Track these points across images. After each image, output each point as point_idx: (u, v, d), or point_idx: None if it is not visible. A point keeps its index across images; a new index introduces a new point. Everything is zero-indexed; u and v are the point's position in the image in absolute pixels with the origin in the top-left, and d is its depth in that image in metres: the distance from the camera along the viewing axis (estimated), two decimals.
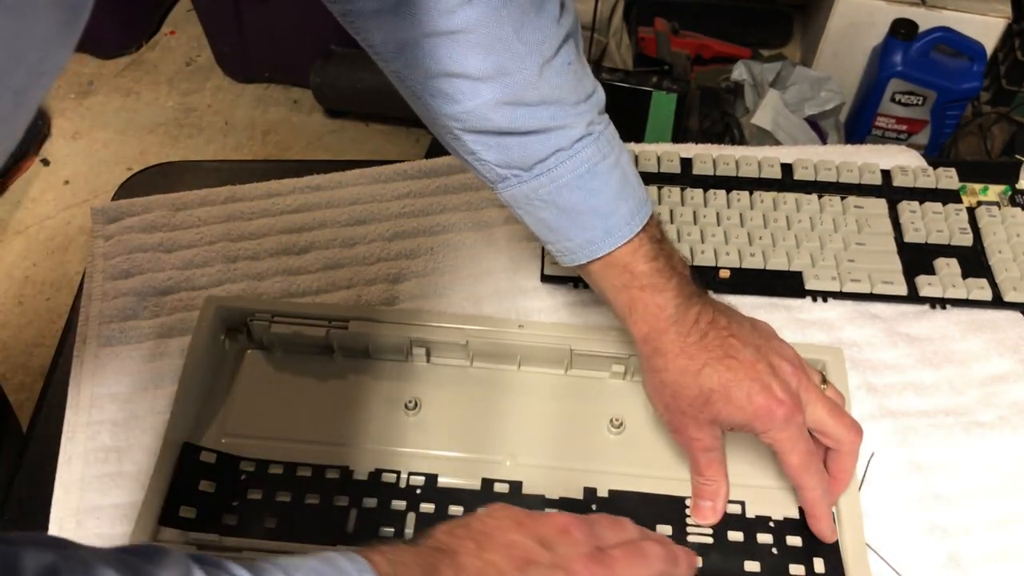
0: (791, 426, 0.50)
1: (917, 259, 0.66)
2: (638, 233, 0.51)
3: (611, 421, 0.57)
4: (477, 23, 0.45)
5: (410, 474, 0.55)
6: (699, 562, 0.50)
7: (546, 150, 0.49)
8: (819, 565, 0.52)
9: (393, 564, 0.39)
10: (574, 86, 0.49)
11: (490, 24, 0.46)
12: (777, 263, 0.65)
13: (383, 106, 1.72)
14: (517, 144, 0.49)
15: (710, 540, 0.52)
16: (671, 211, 0.67)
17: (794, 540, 0.53)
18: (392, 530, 0.52)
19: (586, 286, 0.64)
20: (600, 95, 0.51)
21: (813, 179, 0.70)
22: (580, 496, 0.54)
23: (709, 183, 0.69)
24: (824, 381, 0.55)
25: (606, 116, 0.52)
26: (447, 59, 0.47)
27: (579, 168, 0.50)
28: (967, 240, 0.66)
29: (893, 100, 1.51)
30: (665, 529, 0.53)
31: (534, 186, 0.51)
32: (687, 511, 0.54)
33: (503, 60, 0.47)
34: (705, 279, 0.64)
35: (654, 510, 0.54)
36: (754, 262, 0.65)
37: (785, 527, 0.53)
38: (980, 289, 0.63)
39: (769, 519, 0.53)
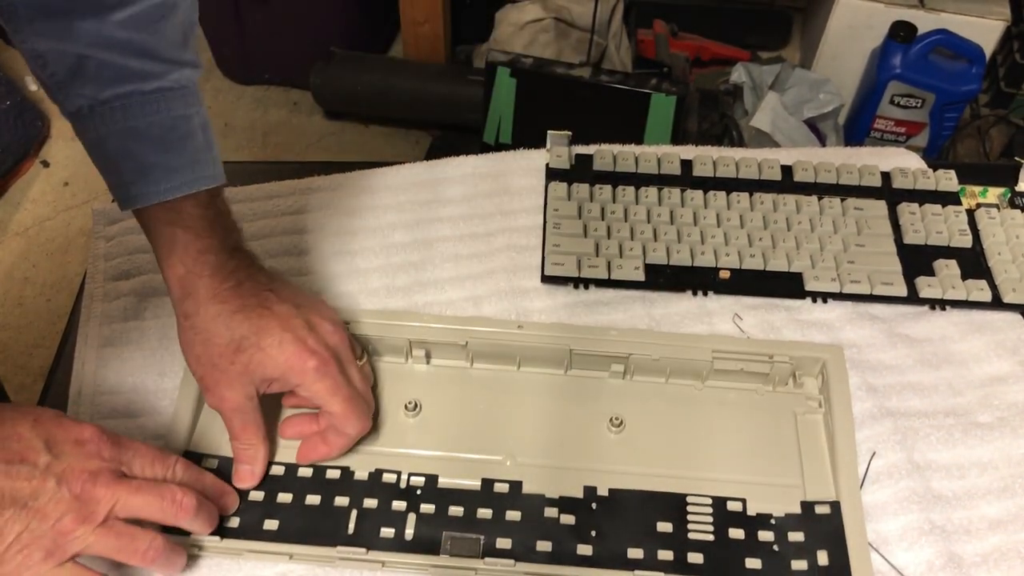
0: (326, 378, 0.51)
1: (917, 260, 0.66)
2: (206, 197, 0.53)
3: (611, 420, 0.58)
4: None
5: (410, 474, 0.55)
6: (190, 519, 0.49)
7: (124, 86, 0.50)
8: (822, 560, 0.52)
9: None
10: (168, 44, 0.51)
11: None
12: (777, 264, 0.65)
13: (383, 108, 1.73)
14: (97, 70, 0.50)
15: (711, 538, 0.52)
16: (671, 212, 0.67)
17: (796, 536, 0.53)
18: (392, 530, 0.52)
19: (586, 286, 0.64)
20: (197, 67, 0.53)
21: (813, 181, 0.70)
22: (580, 495, 0.54)
23: (709, 184, 0.69)
24: (363, 357, 0.56)
25: (196, 86, 0.53)
26: None
27: (156, 114, 0.51)
28: (966, 242, 0.67)
29: (892, 102, 1.51)
30: (666, 527, 0.53)
31: (106, 119, 0.51)
32: (688, 508, 0.54)
33: None
34: (705, 280, 0.65)
35: (654, 508, 0.54)
36: (754, 263, 0.65)
37: (786, 524, 0.53)
38: (979, 290, 0.63)
39: (770, 516, 0.54)
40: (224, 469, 0.54)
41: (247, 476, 0.54)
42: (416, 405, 0.58)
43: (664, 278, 0.65)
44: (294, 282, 0.57)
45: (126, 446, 0.47)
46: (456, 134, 1.73)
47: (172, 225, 0.52)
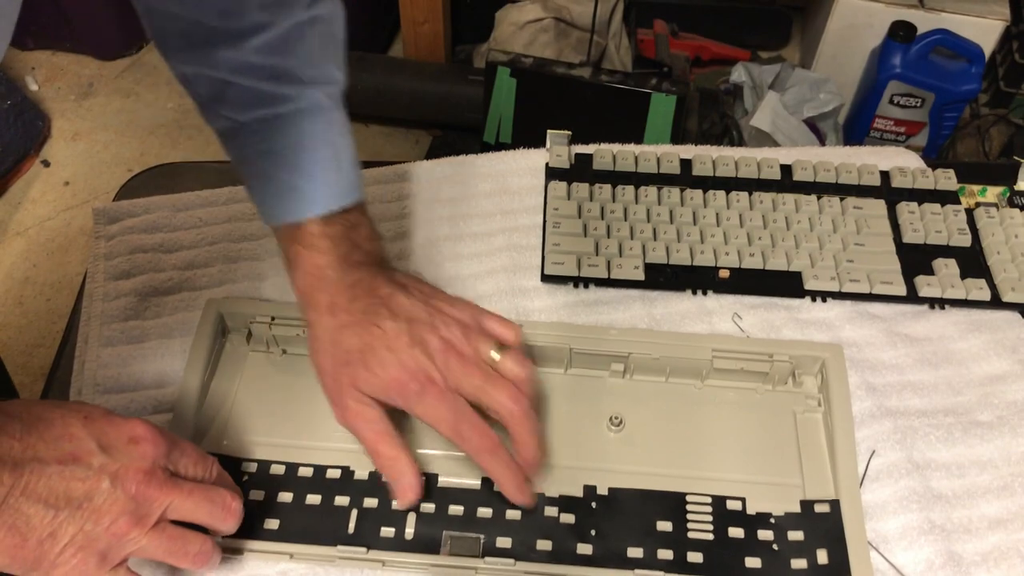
0: (425, 400, 0.49)
1: (916, 259, 0.66)
2: (336, 212, 0.53)
3: (611, 419, 0.58)
4: None
5: None
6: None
7: (265, 109, 0.53)
8: (822, 559, 0.52)
9: None
10: (308, 64, 0.53)
11: None
12: (776, 263, 0.65)
13: (383, 107, 1.73)
14: (239, 95, 0.52)
15: (711, 536, 0.53)
16: (671, 212, 0.67)
17: (795, 535, 0.53)
18: (392, 530, 0.52)
19: (586, 286, 0.65)
20: (340, 84, 0.55)
21: (812, 180, 0.70)
22: (580, 494, 0.54)
23: (708, 184, 0.69)
24: (499, 350, 0.52)
25: (340, 103, 0.55)
26: (192, 5, 0.50)
27: (293, 136, 0.53)
28: (966, 241, 0.67)
29: (891, 102, 1.51)
30: (665, 526, 0.53)
31: (249, 140, 0.53)
32: (688, 507, 0.54)
33: (242, 24, 0.51)
34: (705, 279, 0.65)
35: (654, 507, 0.54)
36: (753, 262, 0.65)
37: (786, 523, 0.53)
38: (979, 289, 0.64)
39: (769, 515, 0.54)
40: (224, 466, 0.54)
41: (406, 491, 0.51)
42: None
43: (664, 277, 0.65)
44: (420, 289, 0.54)
45: (175, 444, 0.46)
46: (456, 134, 1.73)
47: (294, 242, 0.54)
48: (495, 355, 0.51)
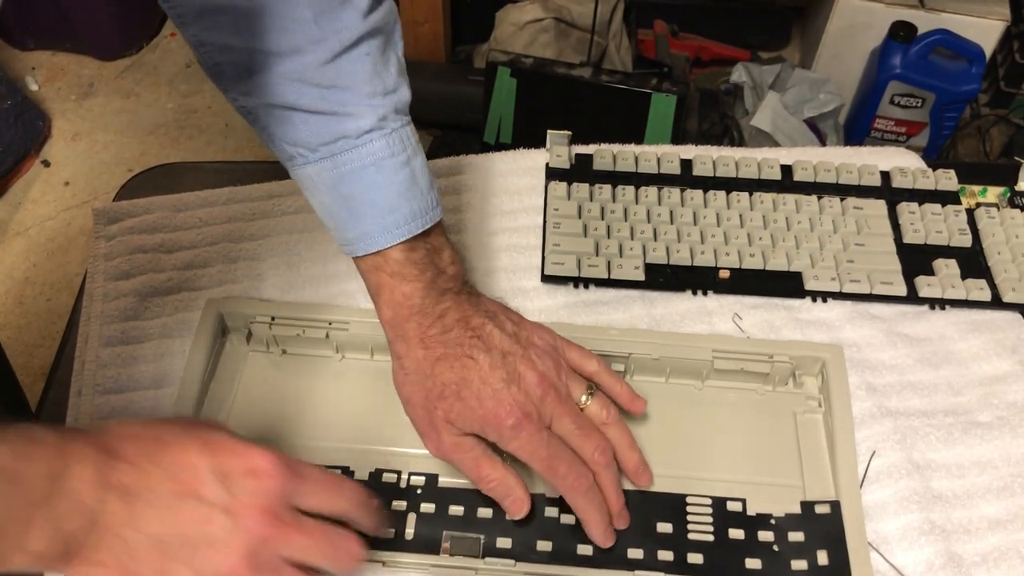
0: (521, 435, 0.49)
1: (916, 260, 0.66)
2: (418, 236, 0.52)
3: None
4: (276, 2, 0.47)
5: (410, 474, 0.55)
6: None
7: (331, 134, 0.50)
8: (822, 559, 0.52)
9: (17, 457, 0.35)
10: (370, 78, 0.50)
11: (288, 4, 0.47)
12: (777, 264, 0.65)
13: None
14: (303, 122, 0.50)
15: (711, 538, 0.52)
16: (671, 212, 0.67)
17: (796, 536, 0.53)
18: (392, 531, 0.52)
19: (586, 286, 0.65)
20: (404, 95, 0.52)
21: (812, 180, 0.70)
22: None
23: (709, 184, 0.69)
24: (591, 393, 0.53)
25: (406, 117, 0.53)
26: (244, 31, 0.48)
27: (364, 159, 0.51)
28: (966, 241, 0.67)
29: (892, 102, 1.51)
30: (665, 527, 0.53)
31: (318, 168, 0.51)
32: (688, 508, 0.54)
33: (298, 40, 0.48)
34: (705, 279, 0.65)
35: (654, 508, 0.54)
36: (754, 263, 0.65)
37: (786, 524, 0.53)
38: (979, 290, 0.64)
39: (770, 516, 0.54)
40: None
41: (516, 507, 0.51)
42: None
43: (664, 278, 0.65)
44: (509, 318, 0.53)
45: (299, 475, 0.42)
46: (456, 134, 1.73)
47: (378, 271, 0.52)
48: (585, 399, 0.52)
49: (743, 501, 0.54)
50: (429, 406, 0.50)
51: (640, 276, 0.64)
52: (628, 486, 0.54)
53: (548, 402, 0.50)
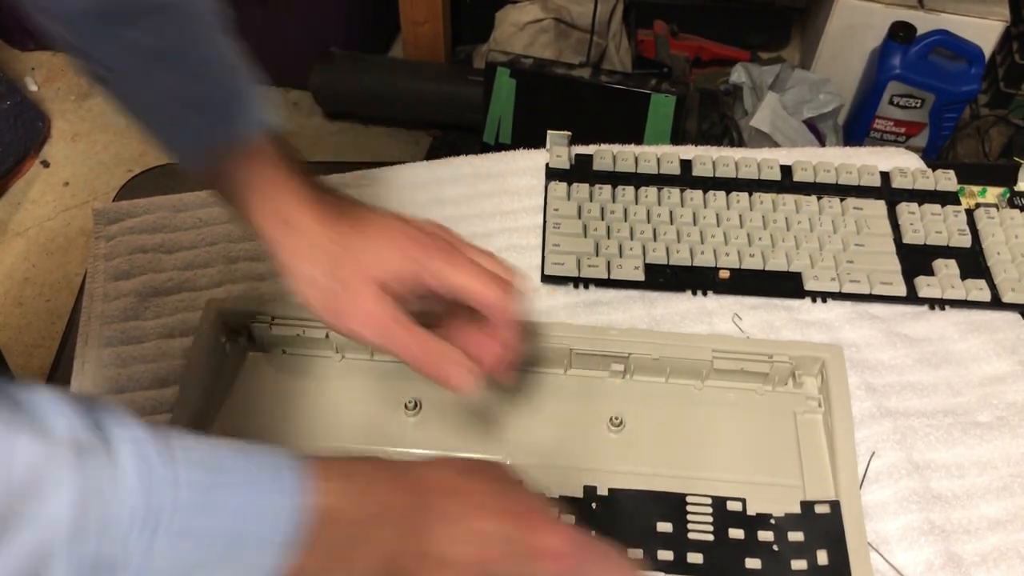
0: (441, 251, 0.46)
1: (916, 260, 0.66)
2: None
3: (611, 420, 0.58)
4: None
5: None
6: None
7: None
8: (822, 559, 0.52)
9: (344, 495, 0.33)
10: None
11: None
12: (776, 264, 0.65)
13: (383, 108, 1.73)
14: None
15: (711, 538, 0.53)
16: (671, 212, 0.67)
17: (795, 536, 0.53)
18: None
19: (586, 286, 0.65)
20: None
21: (812, 181, 0.70)
22: (580, 495, 0.54)
23: (709, 184, 0.69)
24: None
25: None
26: None
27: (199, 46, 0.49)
28: (966, 241, 0.67)
29: (891, 103, 1.51)
30: (665, 527, 0.53)
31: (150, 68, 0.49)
32: (688, 508, 0.54)
33: None
34: (705, 280, 0.65)
35: (654, 508, 0.54)
36: (753, 263, 0.65)
37: (786, 523, 0.53)
38: (979, 290, 0.64)
39: (770, 516, 0.54)
40: None
41: (459, 378, 0.45)
42: (416, 404, 0.58)
43: (664, 278, 0.65)
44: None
45: (589, 558, 0.38)
46: (456, 134, 1.73)
47: (245, 160, 0.49)
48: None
49: (743, 501, 0.54)
50: (334, 272, 0.46)
51: (640, 276, 0.64)
52: (628, 485, 0.55)
53: (453, 235, 0.49)
